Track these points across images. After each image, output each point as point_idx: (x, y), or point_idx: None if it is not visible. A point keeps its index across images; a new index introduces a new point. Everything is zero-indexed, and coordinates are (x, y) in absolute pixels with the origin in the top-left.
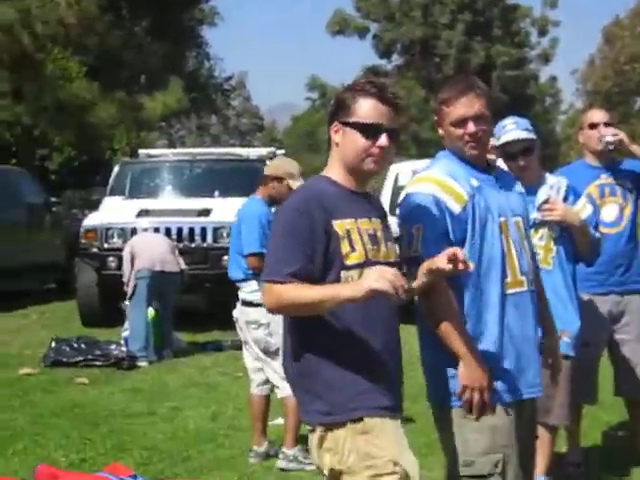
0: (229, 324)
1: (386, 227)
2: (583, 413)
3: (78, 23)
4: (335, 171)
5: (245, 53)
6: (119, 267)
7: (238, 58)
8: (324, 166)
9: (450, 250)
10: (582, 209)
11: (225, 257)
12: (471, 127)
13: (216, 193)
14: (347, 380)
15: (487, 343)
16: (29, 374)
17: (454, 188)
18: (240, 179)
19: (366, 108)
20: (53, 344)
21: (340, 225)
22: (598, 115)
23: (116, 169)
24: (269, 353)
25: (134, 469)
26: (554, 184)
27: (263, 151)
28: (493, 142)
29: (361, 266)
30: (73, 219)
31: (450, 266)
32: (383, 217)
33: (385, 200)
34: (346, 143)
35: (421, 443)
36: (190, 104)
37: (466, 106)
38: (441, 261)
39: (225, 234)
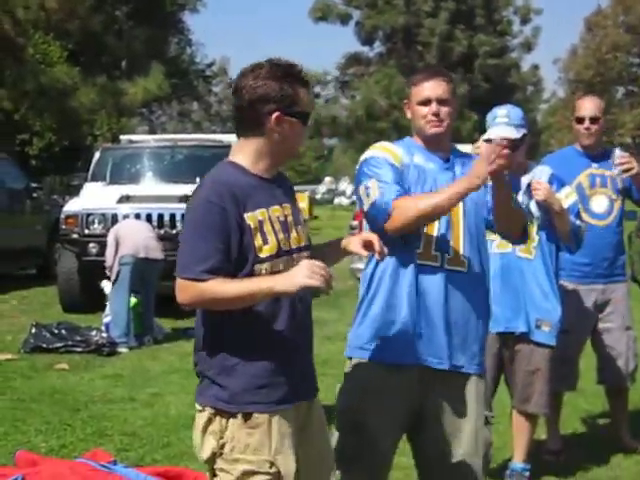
0: None
1: (296, 210)
2: (564, 401)
3: (59, 8)
4: (246, 157)
5: (227, 39)
6: (100, 253)
7: (220, 44)
8: (306, 152)
9: (366, 236)
10: (566, 197)
11: None
12: (434, 107)
13: (197, 179)
14: (248, 373)
15: (399, 304)
16: (9, 359)
17: (393, 150)
18: None
19: (305, 97)
20: (33, 330)
21: (252, 217)
22: (585, 109)
23: (97, 155)
24: None
25: (114, 455)
26: (536, 172)
27: None
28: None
29: (273, 257)
30: (54, 205)
31: (365, 253)
32: (293, 199)
33: None
34: (290, 133)
35: None
36: (171, 90)
37: (432, 89)
38: (355, 245)
39: None
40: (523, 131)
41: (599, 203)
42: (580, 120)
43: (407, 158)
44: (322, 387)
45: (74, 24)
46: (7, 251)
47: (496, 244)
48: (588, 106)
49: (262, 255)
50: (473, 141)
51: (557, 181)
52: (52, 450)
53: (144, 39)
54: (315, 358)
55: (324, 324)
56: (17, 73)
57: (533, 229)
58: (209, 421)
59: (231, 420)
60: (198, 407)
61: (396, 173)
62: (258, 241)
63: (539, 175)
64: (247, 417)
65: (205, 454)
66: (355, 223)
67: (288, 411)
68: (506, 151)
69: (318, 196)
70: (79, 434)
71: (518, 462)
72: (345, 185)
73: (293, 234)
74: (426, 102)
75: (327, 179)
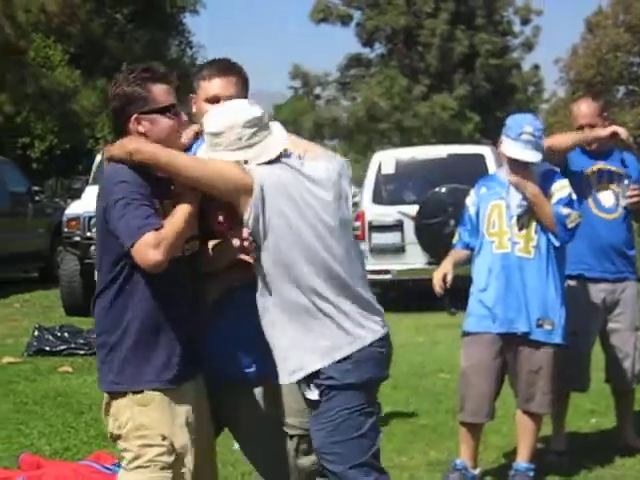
0: None
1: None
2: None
3: (60, 11)
4: None
5: (228, 41)
6: None
7: (221, 46)
8: None
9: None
10: (560, 188)
11: None
12: None
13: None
14: (138, 353)
15: None
16: (12, 363)
17: None
18: None
19: (161, 93)
20: (36, 333)
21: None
22: (583, 116)
23: (98, 157)
24: None
25: (117, 457)
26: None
27: None
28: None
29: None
30: (55, 208)
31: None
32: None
33: (368, 188)
34: (155, 129)
35: (405, 430)
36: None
37: (223, 87)
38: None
39: None
40: (540, 155)
41: (606, 198)
42: (579, 128)
43: None
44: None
45: (75, 27)
46: (9, 254)
47: (495, 245)
48: (585, 112)
49: None
50: (475, 142)
51: (558, 177)
52: (56, 453)
53: (145, 42)
54: None
55: None
56: (18, 76)
57: (531, 229)
58: (108, 405)
59: (124, 400)
60: (105, 399)
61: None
62: None
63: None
64: (137, 394)
65: (108, 433)
66: (357, 224)
67: (180, 388)
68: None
69: None
70: (82, 437)
71: (522, 462)
72: None
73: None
74: (214, 100)
75: None
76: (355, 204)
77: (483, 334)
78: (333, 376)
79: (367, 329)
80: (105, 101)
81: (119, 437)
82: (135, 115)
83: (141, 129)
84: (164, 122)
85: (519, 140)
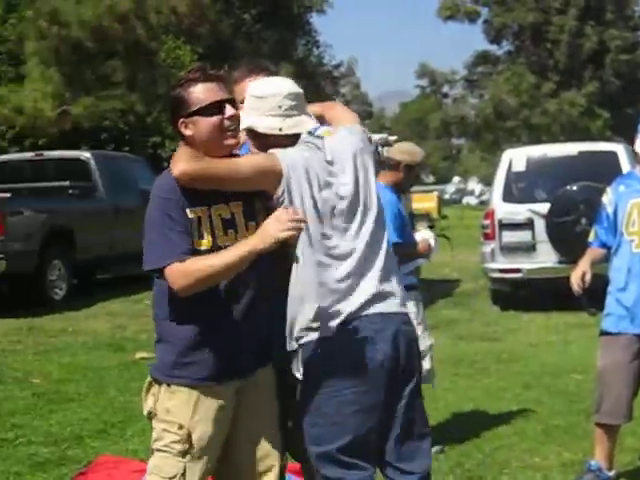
0: None
1: (249, 207)
2: None
3: (190, 12)
4: None
5: (355, 40)
6: None
7: (348, 45)
8: (433, 152)
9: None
10: None
11: None
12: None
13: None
14: (176, 349)
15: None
16: (144, 358)
17: None
18: None
19: (200, 93)
20: None
21: (193, 212)
22: None
23: None
24: None
25: None
26: None
27: (375, 137)
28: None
29: (210, 252)
30: None
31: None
32: (246, 198)
33: (498, 186)
34: (199, 130)
35: (538, 430)
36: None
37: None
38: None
39: None
40: None
41: None
42: None
43: None
44: (454, 388)
45: (204, 28)
46: (141, 252)
47: (635, 244)
48: None
49: (200, 248)
50: (604, 139)
51: None
52: None
53: (272, 42)
54: (447, 359)
55: (455, 324)
56: (149, 77)
57: None
58: (150, 384)
59: (162, 386)
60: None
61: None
62: (194, 235)
63: None
64: (170, 386)
65: (145, 411)
66: (486, 222)
67: (214, 387)
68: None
69: (446, 196)
70: None
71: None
72: (473, 185)
73: (241, 231)
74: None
75: (455, 179)
76: (482, 202)
77: (621, 335)
78: None
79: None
80: None
81: (151, 415)
82: (182, 119)
83: (189, 132)
84: (204, 122)
85: None
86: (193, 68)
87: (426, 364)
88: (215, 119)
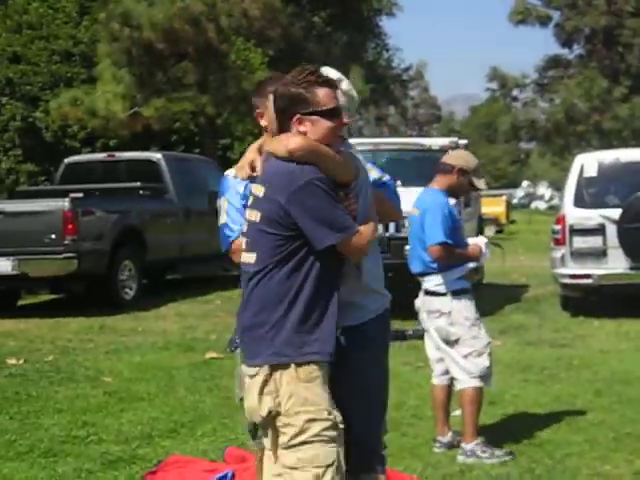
0: (410, 313)
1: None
2: None
3: (261, 15)
4: None
5: (424, 43)
6: None
7: (417, 48)
8: (502, 156)
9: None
10: None
11: (406, 247)
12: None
13: (398, 182)
14: (303, 327)
15: None
16: (214, 358)
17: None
18: (422, 169)
19: (325, 96)
20: None
21: None
22: None
23: None
24: (449, 342)
25: None
26: None
27: (445, 141)
28: None
29: None
30: None
31: None
32: None
33: (570, 191)
34: (315, 130)
35: (609, 438)
36: (369, 94)
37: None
38: None
39: (406, 224)
40: None
41: None
42: None
43: None
44: (524, 394)
45: (275, 31)
46: (212, 253)
47: None
48: None
49: None
50: None
51: None
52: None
53: (343, 44)
54: (516, 364)
55: (525, 330)
56: (220, 79)
57: None
58: (265, 383)
59: (285, 376)
60: (251, 372)
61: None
62: None
63: None
64: (300, 367)
65: (263, 412)
66: (557, 227)
67: (327, 366)
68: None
69: (515, 200)
70: None
71: None
72: (543, 189)
73: None
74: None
75: (525, 183)
76: (552, 207)
77: None
78: None
79: None
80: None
81: (278, 414)
82: (298, 115)
83: (302, 129)
84: (324, 124)
85: None
86: (309, 70)
87: (486, 361)
88: (334, 123)
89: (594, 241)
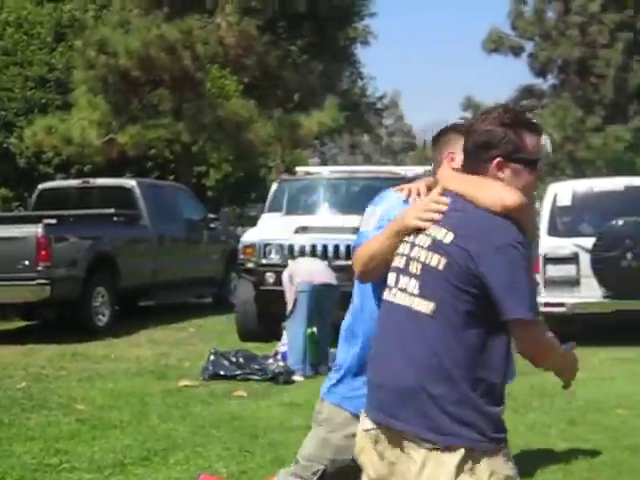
0: None
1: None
2: None
3: (237, 43)
4: None
5: (399, 72)
6: (276, 283)
7: (391, 77)
8: None
9: None
10: None
11: None
12: None
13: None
14: (492, 404)
15: None
16: (188, 386)
17: None
18: None
19: (531, 144)
20: (212, 357)
21: None
22: None
23: (274, 186)
24: None
25: None
26: None
27: (419, 169)
28: None
29: None
30: (229, 235)
31: None
32: None
33: (543, 219)
34: (513, 179)
35: (584, 467)
36: (343, 123)
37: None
38: None
39: None
40: None
41: None
42: None
43: None
44: None
45: (251, 59)
46: (185, 280)
47: None
48: None
49: None
50: None
51: None
52: (232, 475)
53: (318, 73)
54: None
55: None
56: (195, 107)
57: None
58: (464, 461)
59: (487, 455)
60: (428, 445)
61: None
62: None
63: None
64: (499, 445)
65: None
66: None
67: None
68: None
69: None
70: (259, 460)
71: None
72: None
73: None
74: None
75: None
76: None
77: None
78: None
79: None
80: (466, 131)
81: None
82: (500, 159)
83: (501, 175)
84: (526, 176)
85: None
86: (517, 111)
87: None
88: (533, 178)
89: (567, 270)
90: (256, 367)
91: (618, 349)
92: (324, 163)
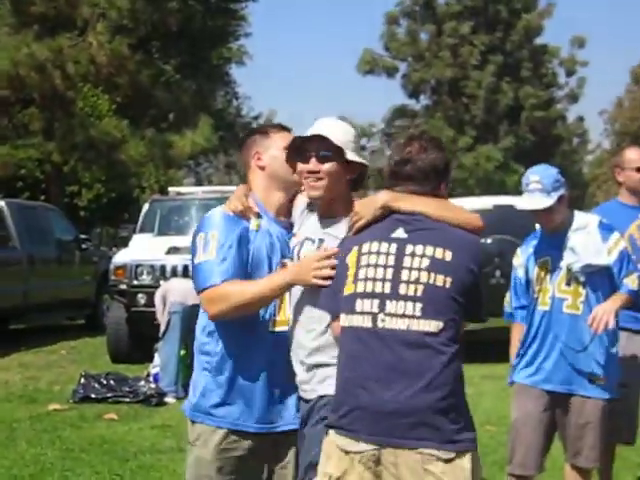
0: None
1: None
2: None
3: (108, 62)
4: None
5: (273, 92)
6: (148, 304)
7: (266, 97)
8: None
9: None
10: (615, 245)
11: None
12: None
13: None
14: (467, 410)
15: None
16: (57, 410)
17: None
18: None
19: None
20: (82, 380)
21: None
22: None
23: (146, 207)
24: None
25: None
26: (581, 227)
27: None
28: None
29: None
30: (102, 256)
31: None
32: None
33: None
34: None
35: None
36: (218, 142)
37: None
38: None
39: None
40: (556, 196)
41: None
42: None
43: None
44: None
45: (123, 78)
46: (56, 302)
47: (539, 302)
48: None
49: None
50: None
51: (604, 228)
52: None
53: (192, 92)
54: None
55: None
56: (66, 126)
57: (579, 285)
58: (472, 471)
59: (475, 461)
60: (445, 456)
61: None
62: None
63: (585, 230)
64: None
65: None
66: None
67: None
68: (329, 267)
69: None
70: None
71: None
72: None
73: None
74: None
75: None
76: None
77: (533, 387)
78: None
79: None
80: (403, 160)
81: None
82: (444, 182)
83: (442, 194)
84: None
85: (527, 191)
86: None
87: None
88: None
89: None
90: (127, 389)
91: (486, 366)
92: (199, 183)
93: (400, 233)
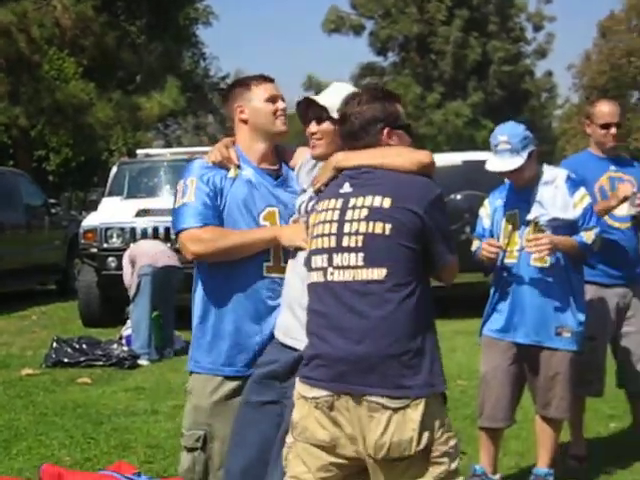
0: None
1: None
2: (586, 406)
3: (73, 25)
4: None
5: (241, 52)
6: (119, 267)
7: (234, 57)
8: None
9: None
10: (580, 201)
11: None
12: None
13: None
14: (437, 356)
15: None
16: (30, 375)
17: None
18: None
19: (402, 111)
20: (54, 344)
21: None
22: (609, 114)
23: (114, 169)
24: None
25: (138, 467)
26: (549, 180)
27: None
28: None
29: None
30: (71, 220)
31: None
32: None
33: None
34: (400, 144)
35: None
36: (186, 104)
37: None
38: None
39: None
40: (525, 154)
41: (621, 206)
42: (606, 126)
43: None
44: None
45: (88, 40)
46: (26, 267)
47: (507, 254)
48: (612, 112)
49: None
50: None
51: (572, 183)
52: (76, 463)
53: (158, 54)
54: None
55: None
56: (32, 90)
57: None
58: (423, 416)
59: (435, 405)
60: (394, 405)
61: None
62: None
63: (553, 184)
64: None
65: (422, 445)
66: None
67: None
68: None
69: None
70: (103, 447)
71: (542, 467)
72: None
73: None
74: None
75: None
76: None
77: (501, 340)
78: None
79: None
80: (343, 117)
81: (426, 448)
82: (388, 129)
83: (391, 142)
84: (407, 139)
85: (496, 152)
86: (384, 87)
87: None
88: (410, 139)
89: None
90: (100, 353)
91: (459, 321)
92: (168, 145)
93: (346, 188)
